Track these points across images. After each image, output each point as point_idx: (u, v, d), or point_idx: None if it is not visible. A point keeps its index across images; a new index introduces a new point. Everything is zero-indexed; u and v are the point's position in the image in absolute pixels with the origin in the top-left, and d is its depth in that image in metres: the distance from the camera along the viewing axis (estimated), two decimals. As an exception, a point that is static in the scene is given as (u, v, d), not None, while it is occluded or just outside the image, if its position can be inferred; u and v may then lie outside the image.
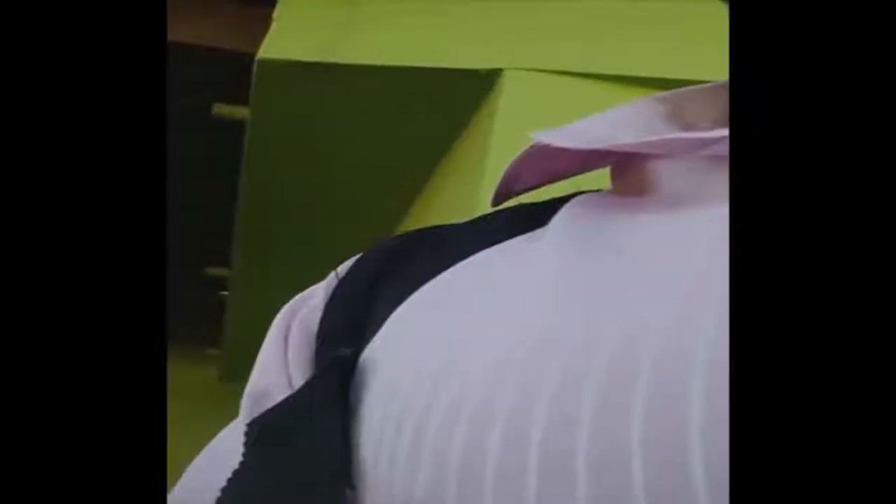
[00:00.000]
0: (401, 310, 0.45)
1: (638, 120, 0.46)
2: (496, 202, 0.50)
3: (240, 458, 0.44)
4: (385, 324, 0.45)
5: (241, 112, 1.77)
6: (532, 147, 0.47)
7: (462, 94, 1.57)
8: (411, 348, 0.43)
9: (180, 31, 1.89)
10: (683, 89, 0.49)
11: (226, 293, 2.25)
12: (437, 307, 0.44)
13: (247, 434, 0.44)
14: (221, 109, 1.97)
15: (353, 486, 0.40)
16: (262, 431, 0.44)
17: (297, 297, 0.50)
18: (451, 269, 0.46)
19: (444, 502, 0.37)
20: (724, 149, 0.41)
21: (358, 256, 0.51)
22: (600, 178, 0.50)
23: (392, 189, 1.72)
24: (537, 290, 0.41)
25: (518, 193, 0.50)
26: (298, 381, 0.47)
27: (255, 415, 0.46)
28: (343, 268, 0.50)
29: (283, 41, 1.57)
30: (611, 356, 0.36)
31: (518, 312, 0.41)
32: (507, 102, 1.51)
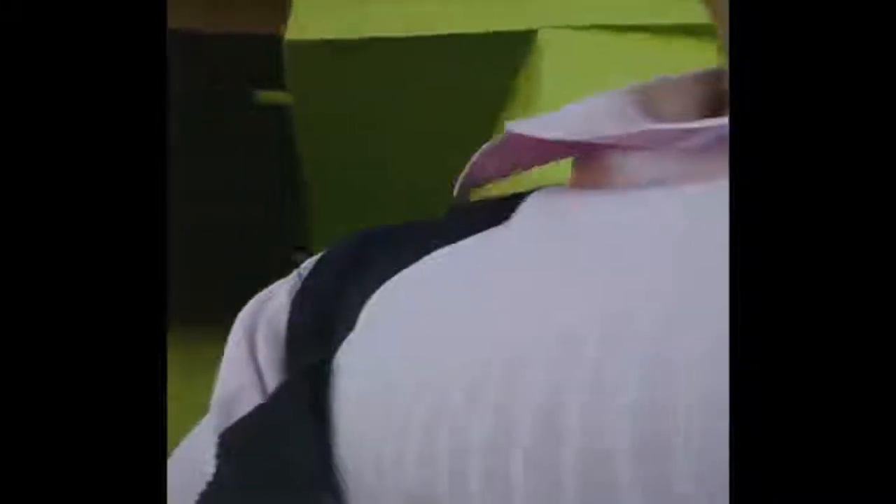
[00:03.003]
0: (367, 310, 0.45)
1: (612, 111, 0.46)
2: (461, 192, 0.49)
3: (212, 470, 0.44)
4: (356, 325, 0.45)
5: (282, 97, 1.77)
6: (506, 136, 0.46)
7: (499, 57, 1.55)
8: (383, 352, 0.42)
9: (195, 19, 1.89)
10: (654, 81, 0.48)
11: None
12: (404, 308, 0.44)
13: (218, 446, 0.44)
14: (266, 96, 1.98)
15: (334, 494, 0.40)
16: (235, 443, 0.44)
17: (255, 298, 0.50)
18: (415, 267, 0.45)
19: (435, 498, 0.37)
20: (700, 141, 0.41)
21: (321, 254, 0.50)
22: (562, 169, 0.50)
23: (439, 156, 1.64)
24: (506, 290, 0.41)
25: (482, 183, 0.50)
26: (271, 382, 0.46)
27: (225, 420, 0.46)
28: (305, 266, 0.49)
29: (307, 20, 1.56)
30: (592, 362, 0.36)
31: (486, 313, 0.40)
32: (549, 63, 1.49)
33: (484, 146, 0.47)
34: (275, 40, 1.59)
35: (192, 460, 0.46)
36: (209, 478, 0.43)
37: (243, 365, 0.47)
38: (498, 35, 1.56)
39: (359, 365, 0.42)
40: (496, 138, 0.47)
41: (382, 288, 0.45)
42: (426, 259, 0.45)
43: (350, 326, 0.45)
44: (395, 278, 0.45)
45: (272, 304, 0.49)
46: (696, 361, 0.34)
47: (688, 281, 0.36)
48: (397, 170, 1.79)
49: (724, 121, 0.40)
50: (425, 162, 1.72)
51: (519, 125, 0.45)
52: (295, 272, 0.49)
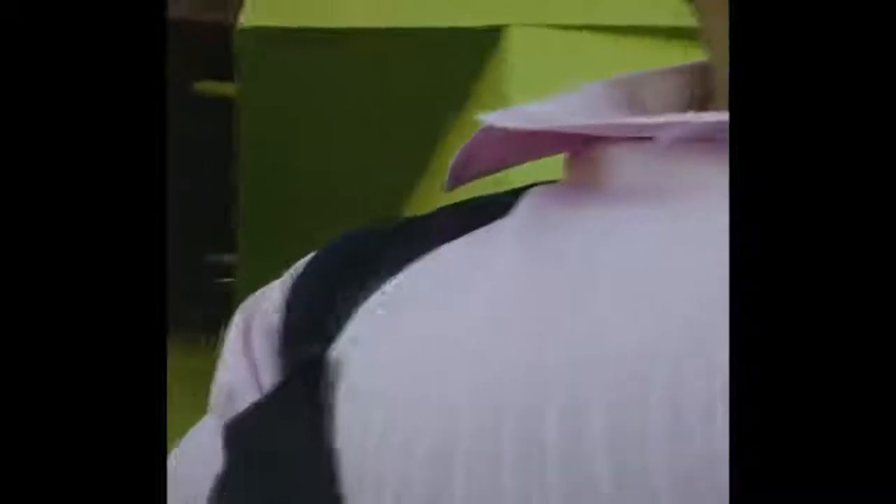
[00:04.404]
0: (364, 309, 0.46)
1: (591, 104, 0.47)
2: (449, 188, 0.50)
3: (220, 462, 0.45)
4: (350, 321, 0.46)
5: (225, 88, 1.69)
6: (480, 131, 0.47)
7: (463, 55, 1.50)
8: (375, 352, 0.44)
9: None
10: (639, 73, 0.49)
11: (229, 280, 2.22)
12: (399, 308, 0.45)
13: (225, 437, 0.45)
14: (204, 87, 1.89)
15: (332, 488, 0.41)
16: (238, 437, 0.45)
17: (251, 297, 0.51)
18: (413, 267, 0.46)
19: (411, 488, 0.39)
20: (676, 134, 0.42)
21: (315, 252, 0.51)
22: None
23: (397, 156, 1.65)
24: (495, 300, 0.42)
25: (470, 179, 0.50)
26: (265, 378, 0.48)
27: (227, 412, 0.47)
28: (300, 264, 0.50)
29: (262, 7, 1.49)
30: (568, 383, 0.38)
31: (475, 321, 0.42)
32: (517, 62, 1.45)
33: (469, 140, 0.48)
34: (222, 28, 1.52)
35: (194, 455, 0.48)
36: (218, 471, 0.45)
37: (239, 360, 0.49)
38: (461, 31, 1.50)
39: (351, 361, 0.44)
40: (474, 133, 0.47)
41: (381, 291, 0.46)
42: (424, 261, 0.46)
43: (346, 322, 0.46)
44: (393, 282, 0.46)
45: (267, 301, 0.50)
46: (690, 382, 0.36)
47: (679, 304, 0.38)
48: (339, 172, 1.73)
49: (690, 116, 0.43)
50: (372, 165, 1.68)
51: (488, 116, 0.46)
52: (289, 270, 0.51)
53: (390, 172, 1.66)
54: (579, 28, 1.45)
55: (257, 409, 0.46)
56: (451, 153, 1.57)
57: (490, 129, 0.47)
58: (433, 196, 1.62)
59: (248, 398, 0.47)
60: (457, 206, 0.51)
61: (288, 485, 0.43)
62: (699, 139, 0.42)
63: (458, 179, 0.50)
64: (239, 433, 0.46)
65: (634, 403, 0.37)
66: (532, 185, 0.48)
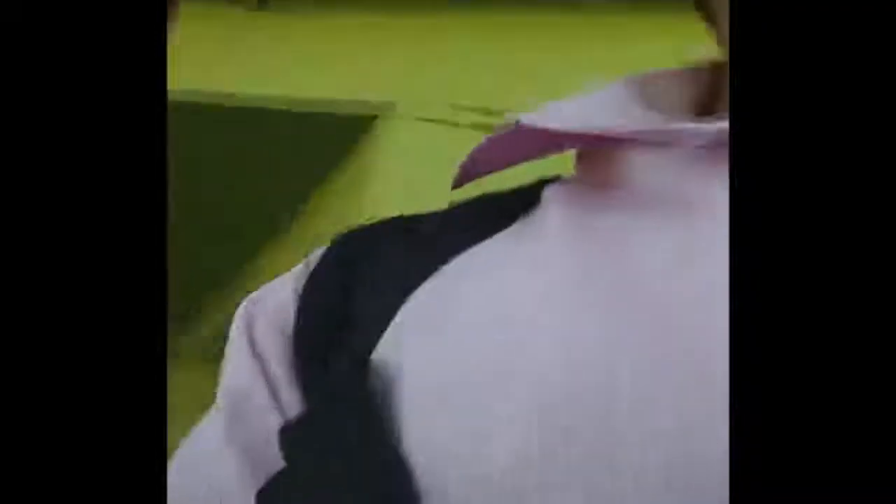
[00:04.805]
0: (407, 309, 0.45)
1: (612, 103, 0.47)
2: (457, 184, 0.49)
3: (224, 463, 0.45)
4: (393, 325, 0.45)
5: None
6: (514, 127, 0.46)
7: (339, 136, 1.57)
8: (433, 354, 0.43)
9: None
10: (653, 72, 0.49)
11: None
12: (447, 309, 0.44)
13: (281, 440, 0.45)
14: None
15: (402, 490, 0.40)
16: (299, 441, 0.44)
17: (251, 297, 0.50)
18: (448, 268, 0.46)
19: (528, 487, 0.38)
20: (708, 139, 0.42)
21: (325, 248, 0.50)
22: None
23: (265, 220, 1.67)
24: (543, 311, 0.41)
25: (479, 176, 0.50)
26: (280, 375, 0.47)
27: (234, 413, 0.47)
28: (313, 258, 0.49)
29: (187, 83, 1.49)
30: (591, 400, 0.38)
31: (525, 317, 0.41)
32: (382, 149, 1.51)
33: (487, 137, 0.47)
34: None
35: (200, 454, 0.46)
36: (278, 469, 0.44)
37: (246, 359, 0.48)
38: (338, 117, 1.57)
39: (426, 362, 0.42)
40: (502, 128, 0.46)
41: (429, 286, 0.45)
42: (455, 263, 0.45)
43: (376, 320, 0.45)
44: (433, 281, 0.45)
45: (275, 296, 0.49)
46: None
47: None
48: (203, 232, 1.72)
49: (709, 125, 0.42)
50: (235, 222, 1.71)
51: (529, 116, 0.45)
52: (302, 263, 0.49)
53: (256, 240, 1.67)
54: (449, 123, 1.50)
55: (314, 414, 0.45)
56: (309, 222, 1.56)
57: (518, 128, 0.46)
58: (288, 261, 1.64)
59: (258, 397, 0.47)
60: (472, 202, 0.50)
61: (350, 489, 0.41)
62: (716, 146, 0.42)
63: (466, 177, 0.49)
64: (297, 437, 0.44)
65: (655, 401, 0.37)
66: (542, 181, 0.48)
